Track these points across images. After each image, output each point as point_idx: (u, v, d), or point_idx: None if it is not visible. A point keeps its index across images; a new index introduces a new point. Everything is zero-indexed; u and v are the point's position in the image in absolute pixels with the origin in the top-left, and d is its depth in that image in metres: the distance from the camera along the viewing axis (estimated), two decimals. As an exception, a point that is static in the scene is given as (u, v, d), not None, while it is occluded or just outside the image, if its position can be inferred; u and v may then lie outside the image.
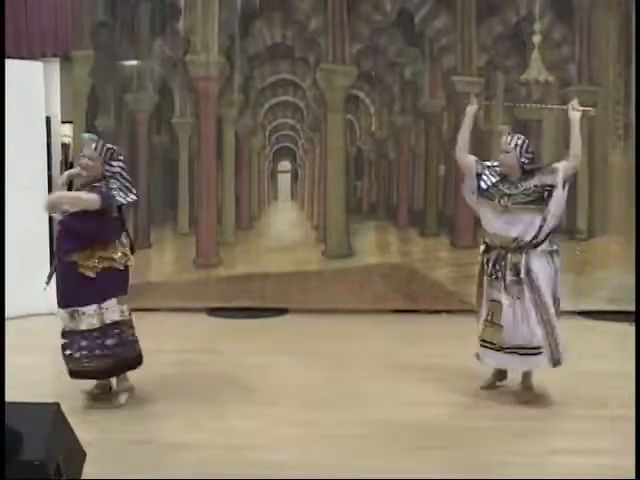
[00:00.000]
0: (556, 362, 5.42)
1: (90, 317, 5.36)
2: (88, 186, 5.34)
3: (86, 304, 5.34)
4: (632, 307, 7.44)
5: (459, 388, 5.81)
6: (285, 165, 8.87)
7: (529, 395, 5.56)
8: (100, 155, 5.34)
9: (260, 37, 8.61)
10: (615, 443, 4.75)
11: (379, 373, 6.29)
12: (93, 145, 5.37)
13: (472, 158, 5.56)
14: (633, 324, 6.73)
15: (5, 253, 7.43)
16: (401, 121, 8.69)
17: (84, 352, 5.37)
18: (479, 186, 5.47)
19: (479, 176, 5.48)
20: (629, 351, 6.16)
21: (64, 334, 5.42)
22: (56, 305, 5.45)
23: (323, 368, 6.47)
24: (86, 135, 5.61)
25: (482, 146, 8.51)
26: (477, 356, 5.71)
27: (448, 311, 8.37)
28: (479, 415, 5.35)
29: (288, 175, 8.86)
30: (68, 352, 5.40)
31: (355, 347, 7.15)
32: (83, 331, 5.36)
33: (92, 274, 5.29)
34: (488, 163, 5.55)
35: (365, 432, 5.01)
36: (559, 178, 5.26)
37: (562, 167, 5.31)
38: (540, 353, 5.39)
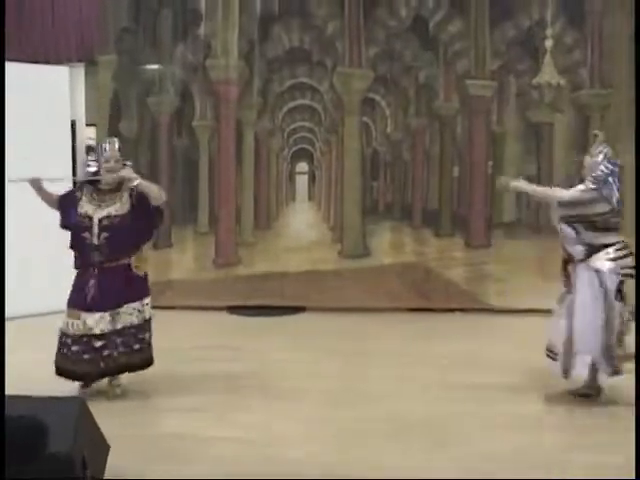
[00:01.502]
0: None
1: (129, 315, 5.43)
2: (113, 187, 5.40)
3: (132, 301, 5.44)
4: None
5: (474, 385, 5.80)
6: (303, 166, 8.91)
7: None
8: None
9: (279, 42, 8.65)
10: (617, 438, 4.74)
11: (395, 370, 6.29)
12: (117, 146, 5.43)
13: None
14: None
15: (5, 252, 7.32)
16: (416, 123, 8.70)
17: (121, 349, 5.43)
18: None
19: None
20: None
21: (101, 336, 5.39)
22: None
23: (340, 365, 6.48)
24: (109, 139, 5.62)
25: (496, 147, 8.59)
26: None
27: (462, 310, 8.37)
28: (494, 411, 5.32)
29: (305, 176, 8.91)
30: (107, 352, 5.40)
31: (371, 345, 7.18)
32: (122, 329, 5.43)
33: (141, 273, 5.46)
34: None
35: (382, 428, 4.99)
36: None
37: None
38: None
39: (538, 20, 8.35)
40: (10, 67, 7.81)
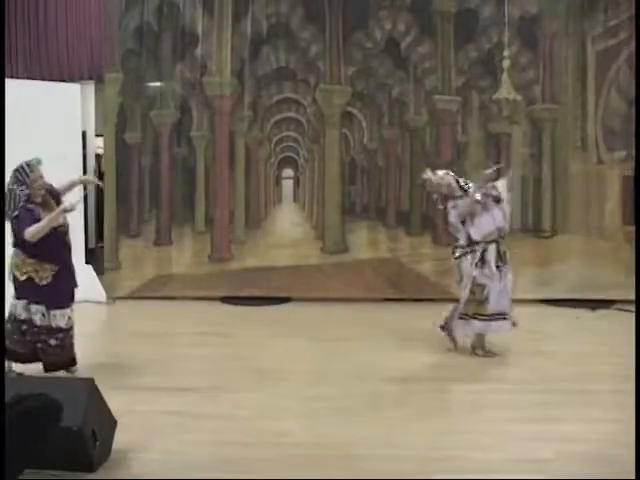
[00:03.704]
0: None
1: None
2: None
3: None
4: (588, 296, 7.77)
5: (445, 364, 5.94)
6: (288, 172, 8.95)
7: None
8: None
9: (267, 61, 8.71)
10: (568, 413, 4.84)
11: (372, 353, 6.35)
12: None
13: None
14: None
15: (5, 253, 7.33)
16: (389, 134, 8.78)
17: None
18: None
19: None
20: (585, 333, 6.31)
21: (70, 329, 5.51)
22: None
23: (323, 349, 6.53)
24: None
25: (460, 155, 8.67)
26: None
27: (431, 299, 8.37)
28: (464, 390, 5.37)
29: (291, 181, 8.95)
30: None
31: (351, 330, 7.20)
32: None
33: None
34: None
35: (362, 403, 5.05)
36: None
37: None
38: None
39: (497, 43, 8.46)
40: (29, 84, 7.98)
